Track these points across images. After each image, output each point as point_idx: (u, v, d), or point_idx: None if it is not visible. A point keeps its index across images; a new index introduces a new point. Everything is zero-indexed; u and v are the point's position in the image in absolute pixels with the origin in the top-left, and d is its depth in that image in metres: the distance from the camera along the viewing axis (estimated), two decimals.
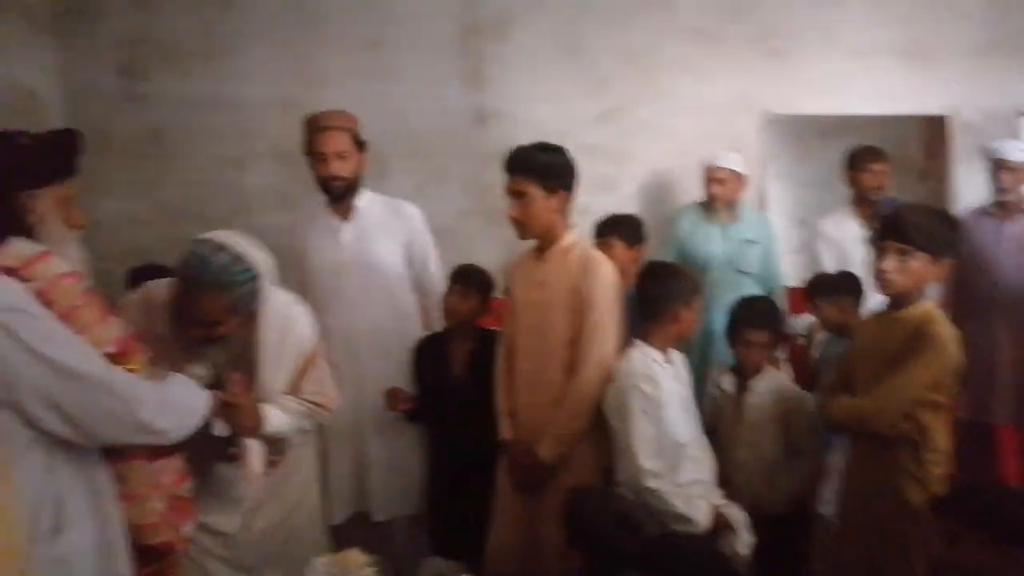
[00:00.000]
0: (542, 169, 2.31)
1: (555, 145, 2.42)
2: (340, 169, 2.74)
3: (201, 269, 1.85)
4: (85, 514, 1.56)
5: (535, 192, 2.30)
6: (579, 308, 2.27)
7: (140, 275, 3.56)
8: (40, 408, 1.45)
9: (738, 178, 3.58)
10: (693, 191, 4.01)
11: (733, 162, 3.56)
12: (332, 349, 2.50)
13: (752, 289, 3.33)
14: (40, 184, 1.57)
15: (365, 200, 2.88)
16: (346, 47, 4.02)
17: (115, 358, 1.59)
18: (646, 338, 2.28)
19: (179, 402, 1.68)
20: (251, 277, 1.91)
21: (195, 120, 3.98)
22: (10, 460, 1.44)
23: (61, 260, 1.56)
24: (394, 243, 2.90)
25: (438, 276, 3.00)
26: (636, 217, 3.18)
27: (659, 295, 2.27)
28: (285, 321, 2.10)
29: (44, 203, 1.58)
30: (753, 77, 4.04)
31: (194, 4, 3.99)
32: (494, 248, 4.07)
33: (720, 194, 3.55)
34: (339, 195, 2.79)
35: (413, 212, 2.99)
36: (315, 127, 2.80)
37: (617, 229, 3.02)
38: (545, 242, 2.40)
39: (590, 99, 4.05)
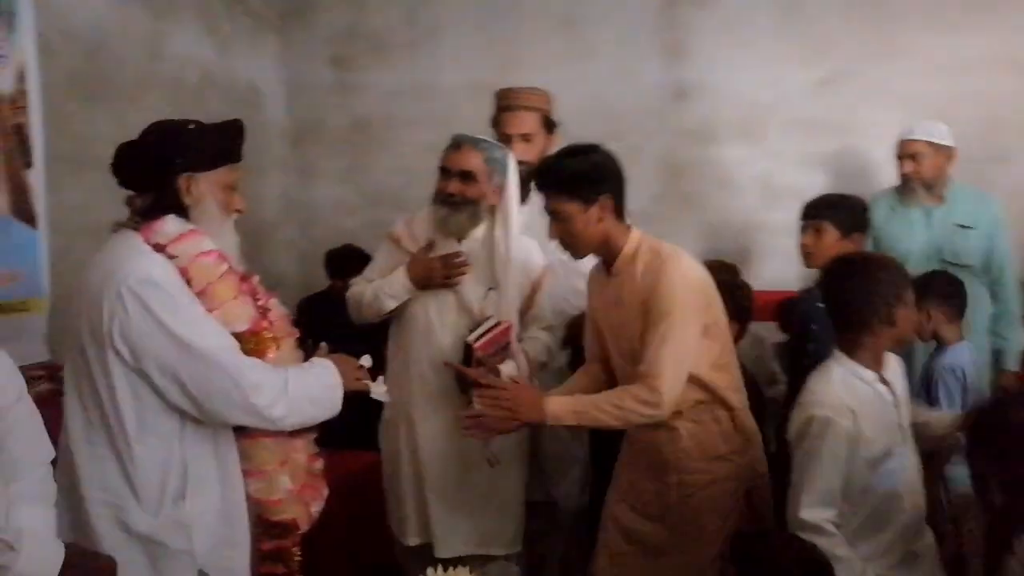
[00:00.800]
0: (570, 180, 1.93)
1: (583, 146, 2.05)
2: (523, 153, 2.49)
3: (464, 135, 2.30)
4: (209, 483, 1.60)
5: (570, 208, 1.92)
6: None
7: (336, 257, 3.74)
8: (163, 378, 1.52)
9: (938, 152, 2.95)
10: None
11: (930, 132, 2.95)
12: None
13: (972, 287, 2.68)
14: (199, 168, 1.62)
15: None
16: (541, 28, 3.92)
17: (246, 336, 1.62)
18: (852, 351, 1.83)
19: (302, 391, 1.63)
20: (501, 149, 2.33)
21: (397, 108, 4.10)
22: (144, 422, 1.54)
23: (206, 239, 1.61)
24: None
25: None
26: (856, 199, 2.62)
27: (860, 296, 1.80)
28: (522, 245, 2.32)
29: (202, 186, 1.63)
30: (1015, 26, 3.35)
31: None
32: (691, 234, 3.79)
33: (915, 172, 2.95)
34: (522, 180, 2.49)
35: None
36: (502, 105, 2.65)
37: (830, 212, 2.51)
38: (607, 255, 1.99)
39: (807, 64, 3.59)
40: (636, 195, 3.77)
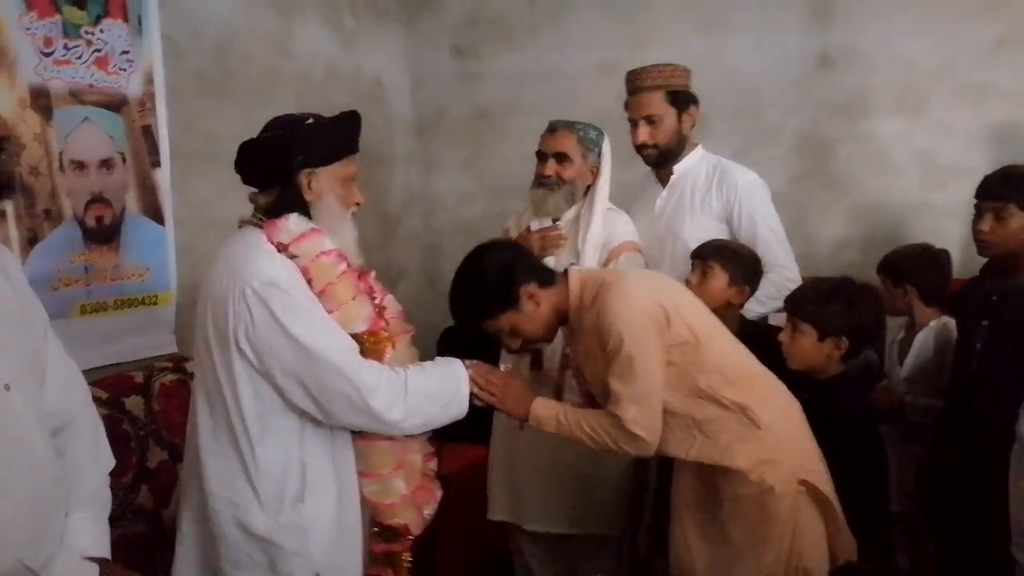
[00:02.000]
0: (479, 311, 1.82)
1: (468, 263, 1.85)
2: (648, 136, 2.38)
3: (559, 119, 2.42)
4: (326, 486, 1.61)
5: (502, 323, 1.83)
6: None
7: None
8: (286, 380, 1.54)
9: None
10: None
11: None
12: None
13: None
14: (320, 163, 1.62)
15: (690, 162, 2.46)
16: (672, 3, 3.66)
17: (365, 336, 1.61)
18: None
19: (422, 394, 1.62)
20: (595, 129, 2.40)
21: (519, 94, 3.99)
22: (266, 423, 1.56)
23: (325, 238, 1.61)
24: (708, 217, 2.39)
25: (775, 256, 2.35)
26: None
27: None
28: (609, 219, 2.37)
29: (322, 181, 1.63)
30: None
31: None
32: (839, 219, 3.41)
33: None
34: (653, 163, 2.45)
35: (739, 180, 2.39)
36: (628, 89, 2.49)
37: (1015, 192, 2.05)
38: (564, 321, 1.91)
39: (979, 21, 3.11)
40: (774, 177, 3.48)
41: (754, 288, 2.22)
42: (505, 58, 4.03)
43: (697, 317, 1.79)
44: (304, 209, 1.62)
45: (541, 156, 2.38)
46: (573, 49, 3.86)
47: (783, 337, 1.96)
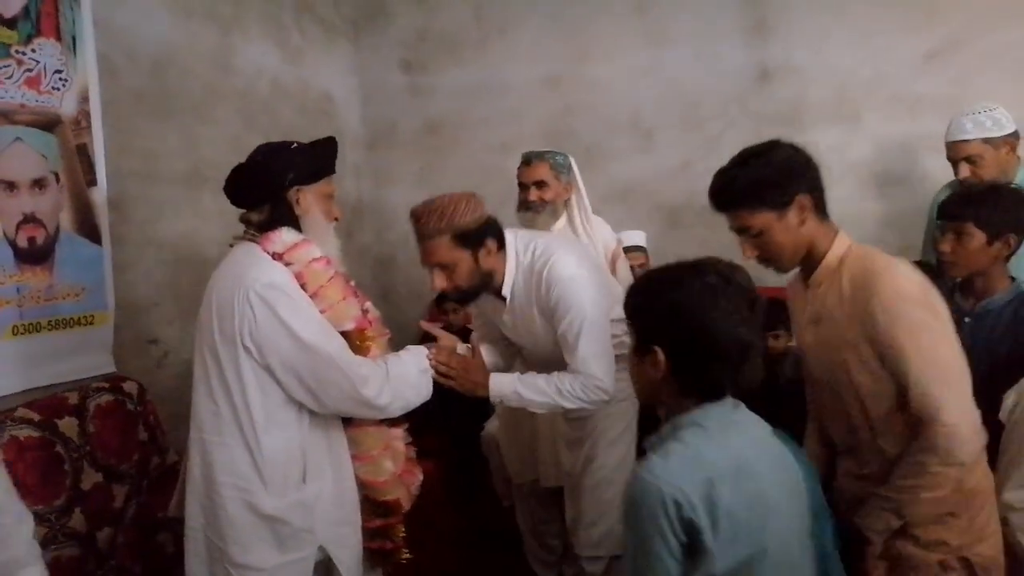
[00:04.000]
0: (752, 188, 1.57)
1: (757, 148, 1.61)
2: (447, 283, 2.01)
3: (531, 152, 2.76)
4: (326, 468, 1.77)
5: (762, 219, 1.57)
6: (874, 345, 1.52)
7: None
8: (285, 374, 1.69)
9: (998, 146, 2.47)
10: None
11: (982, 126, 2.46)
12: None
13: None
14: (307, 181, 1.81)
15: (510, 281, 2.10)
16: (614, 16, 3.73)
17: (352, 334, 1.79)
18: None
19: (401, 379, 1.82)
20: (562, 154, 2.72)
21: (468, 108, 4.02)
22: (270, 414, 1.71)
23: (315, 247, 1.78)
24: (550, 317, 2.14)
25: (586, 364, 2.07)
26: (1008, 191, 2.10)
27: None
28: (595, 223, 2.73)
29: (308, 198, 1.81)
30: None
31: None
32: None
33: (974, 176, 2.49)
34: (466, 302, 2.24)
35: (553, 279, 2.03)
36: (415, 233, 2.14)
37: (974, 211, 1.97)
38: (809, 263, 1.66)
39: (913, 34, 3.22)
40: None
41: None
42: (454, 72, 4.05)
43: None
44: (294, 223, 1.79)
45: (522, 186, 2.72)
46: (520, 63, 3.90)
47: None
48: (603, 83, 3.72)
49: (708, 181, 3.41)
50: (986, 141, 2.47)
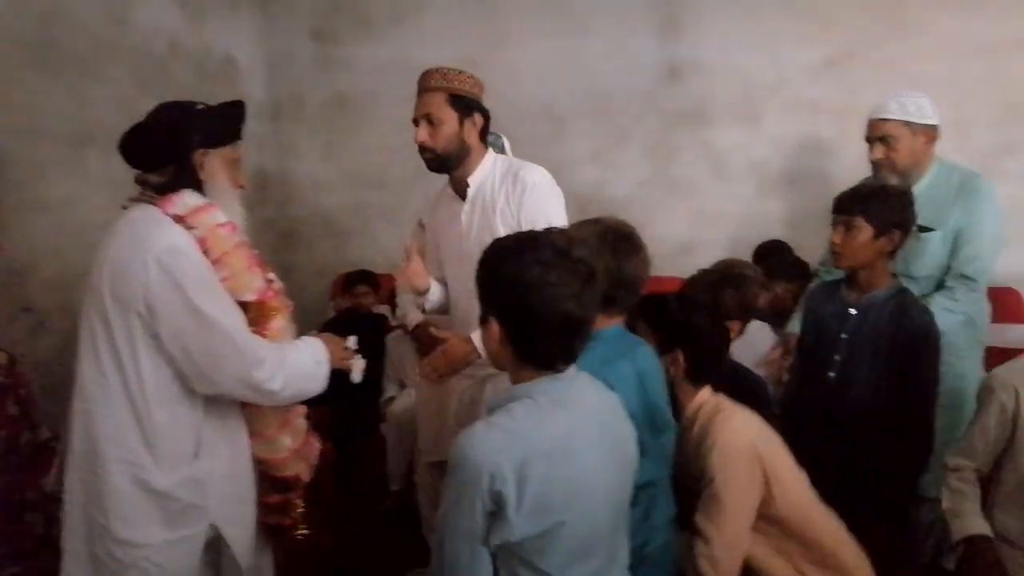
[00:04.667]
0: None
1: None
2: (427, 137, 2.14)
3: None
4: (220, 444, 1.71)
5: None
6: None
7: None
8: (173, 344, 1.59)
9: (916, 133, 2.48)
10: (947, 155, 3.22)
11: (905, 109, 2.47)
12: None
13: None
14: (211, 145, 1.73)
15: (483, 172, 2.23)
16: (530, 3, 3.72)
17: (252, 305, 1.71)
18: None
19: (297, 368, 1.74)
20: (497, 136, 2.66)
21: (380, 85, 3.92)
22: (163, 387, 1.62)
23: (219, 212, 1.69)
24: (509, 229, 2.21)
25: None
26: (896, 191, 2.18)
27: None
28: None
29: (214, 162, 1.74)
30: None
31: None
32: (681, 222, 3.60)
33: (885, 159, 2.48)
34: (433, 168, 2.25)
35: (528, 181, 2.16)
36: (418, 90, 2.26)
37: (863, 207, 2.10)
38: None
39: (812, 42, 3.37)
40: (623, 180, 3.64)
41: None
42: (367, 47, 3.95)
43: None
44: (198, 187, 1.71)
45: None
46: (434, 43, 3.84)
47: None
48: (517, 69, 3.71)
49: (616, 173, 3.49)
50: (906, 124, 2.46)
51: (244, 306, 1.69)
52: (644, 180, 3.58)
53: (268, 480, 1.82)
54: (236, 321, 1.65)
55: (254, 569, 1.79)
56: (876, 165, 2.52)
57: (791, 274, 2.92)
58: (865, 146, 2.56)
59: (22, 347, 2.42)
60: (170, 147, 1.70)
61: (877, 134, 2.50)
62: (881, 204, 2.06)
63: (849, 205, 2.09)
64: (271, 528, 1.86)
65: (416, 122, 2.15)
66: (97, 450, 1.63)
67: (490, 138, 2.42)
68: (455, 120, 2.12)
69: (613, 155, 3.59)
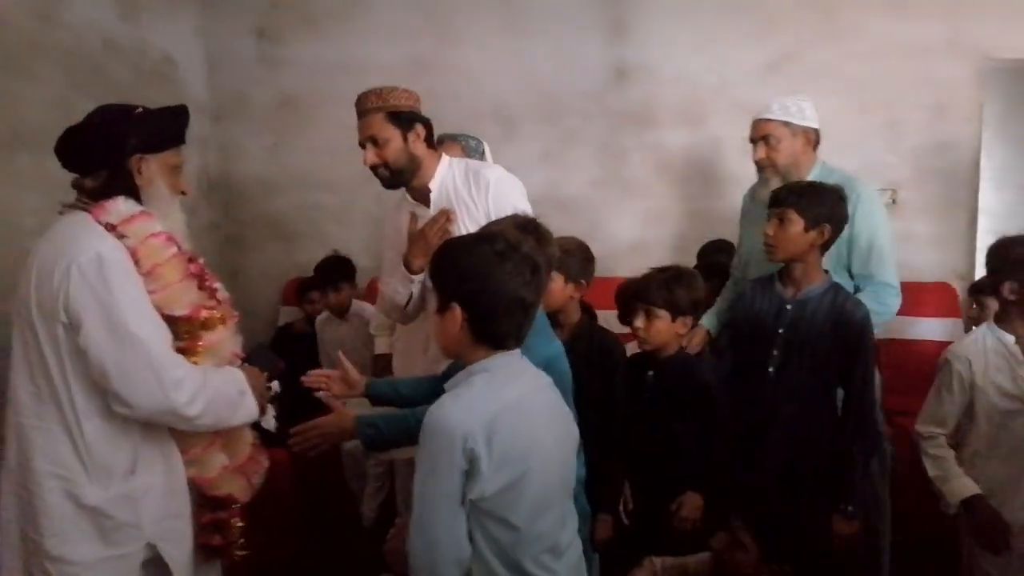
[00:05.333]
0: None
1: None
2: (376, 157, 2.18)
3: (445, 134, 2.63)
4: (156, 460, 1.66)
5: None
6: None
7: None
8: (94, 358, 1.53)
9: (796, 134, 2.49)
10: (881, 155, 3.33)
11: (787, 110, 2.49)
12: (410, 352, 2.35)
13: None
14: (149, 150, 1.69)
15: (441, 173, 2.28)
16: (479, 2, 3.72)
17: (184, 321, 1.65)
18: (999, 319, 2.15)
19: (218, 394, 1.67)
20: (474, 138, 2.74)
21: (325, 84, 3.85)
22: (93, 398, 1.58)
23: (155, 221, 1.65)
24: (478, 226, 2.25)
25: None
26: (828, 188, 2.21)
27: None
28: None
29: (152, 168, 1.69)
30: (965, 13, 3.25)
31: None
32: (631, 221, 3.64)
33: (767, 159, 2.51)
34: (388, 185, 2.28)
35: (491, 177, 2.25)
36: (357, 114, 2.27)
37: (796, 200, 2.17)
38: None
39: (753, 45, 3.46)
40: (574, 180, 3.66)
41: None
42: (312, 45, 3.88)
43: None
44: (134, 193, 1.66)
45: None
46: (381, 42, 3.80)
47: (639, 323, 2.18)
48: (466, 70, 3.70)
49: (566, 173, 3.49)
50: (786, 124, 2.48)
51: (175, 320, 1.63)
52: (595, 180, 3.61)
53: (202, 499, 1.75)
54: (157, 339, 1.58)
55: None
56: (759, 165, 2.55)
57: (710, 272, 2.93)
58: None
59: None
60: (105, 151, 1.65)
61: (759, 134, 2.52)
62: (813, 198, 2.12)
63: (782, 199, 2.15)
64: (207, 548, 1.78)
65: (363, 145, 2.19)
66: (31, 464, 1.58)
67: (472, 143, 2.61)
68: (399, 136, 2.17)
69: (564, 156, 3.61)
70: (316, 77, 3.88)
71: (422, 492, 1.35)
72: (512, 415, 1.37)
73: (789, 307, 2.14)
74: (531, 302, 1.43)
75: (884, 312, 2.37)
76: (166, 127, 1.73)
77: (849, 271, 2.41)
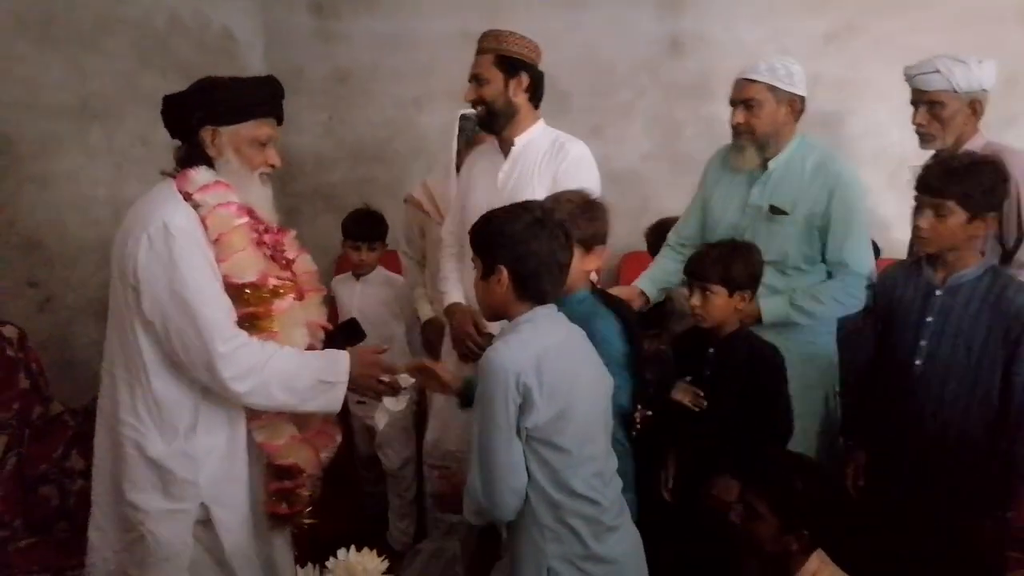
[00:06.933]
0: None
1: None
2: (474, 94, 2.32)
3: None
4: (218, 423, 1.72)
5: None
6: None
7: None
8: (155, 318, 1.62)
9: (780, 100, 2.25)
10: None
11: (773, 72, 2.24)
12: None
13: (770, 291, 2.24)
14: (222, 122, 1.70)
15: (531, 135, 2.38)
16: None
17: (253, 288, 1.68)
18: None
19: (278, 377, 1.67)
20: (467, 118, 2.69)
21: (379, 58, 3.91)
22: (160, 358, 1.66)
23: (229, 191, 1.69)
24: (546, 193, 2.33)
25: None
26: (989, 168, 1.94)
27: None
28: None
29: (225, 139, 1.71)
30: None
31: None
32: (684, 197, 3.59)
33: (745, 124, 2.27)
34: (482, 124, 2.43)
35: (572, 152, 2.33)
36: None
37: (957, 188, 1.90)
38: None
39: (812, 15, 3.36)
40: (626, 154, 3.64)
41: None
42: (366, 21, 3.92)
43: None
44: (210, 164, 1.71)
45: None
46: (434, 16, 3.82)
47: (695, 301, 2.04)
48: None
49: (618, 147, 3.46)
50: (771, 89, 2.23)
51: (244, 287, 1.67)
52: (647, 154, 3.58)
53: (272, 467, 1.79)
54: (213, 310, 1.63)
55: (243, 555, 1.75)
56: (735, 130, 2.32)
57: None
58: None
59: (30, 323, 2.44)
60: (176, 121, 1.71)
61: (741, 96, 2.27)
62: (975, 184, 1.85)
63: (939, 187, 1.87)
64: (276, 516, 1.83)
65: (470, 80, 2.34)
66: (116, 412, 1.69)
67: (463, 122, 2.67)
68: (500, 80, 2.29)
69: (616, 129, 3.59)
70: (370, 52, 3.93)
71: (482, 421, 1.52)
72: (556, 354, 1.55)
73: (938, 293, 1.96)
74: (565, 263, 1.62)
75: (851, 305, 2.22)
76: (243, 98, 1.71)
77: (822, 256, 2.26)
